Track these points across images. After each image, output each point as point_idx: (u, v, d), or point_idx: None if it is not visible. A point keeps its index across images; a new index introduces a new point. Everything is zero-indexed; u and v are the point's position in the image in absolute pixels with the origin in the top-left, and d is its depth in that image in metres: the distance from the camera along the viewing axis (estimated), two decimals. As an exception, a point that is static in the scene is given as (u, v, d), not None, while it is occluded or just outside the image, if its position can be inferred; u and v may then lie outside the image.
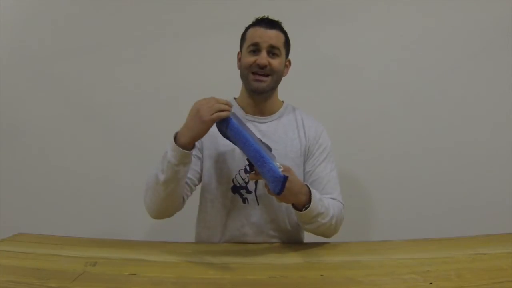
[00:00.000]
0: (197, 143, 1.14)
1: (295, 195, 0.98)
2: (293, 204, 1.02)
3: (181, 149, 0.97)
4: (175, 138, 1.00)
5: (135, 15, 1.75)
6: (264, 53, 1.10)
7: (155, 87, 1.75)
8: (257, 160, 0.92)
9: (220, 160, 1.14)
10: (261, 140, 0.98)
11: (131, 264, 0.92)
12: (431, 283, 0.77)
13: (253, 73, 1.11)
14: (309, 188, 1.01)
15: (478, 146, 1.66)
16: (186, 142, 0.98)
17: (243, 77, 1.16)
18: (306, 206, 0.99)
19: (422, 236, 1.12)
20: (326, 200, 1.06)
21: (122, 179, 1.75)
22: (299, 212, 1.00)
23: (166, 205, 1.07)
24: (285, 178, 0.88)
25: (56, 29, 1.77)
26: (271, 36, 1.10)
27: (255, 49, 1.11)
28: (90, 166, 1.76)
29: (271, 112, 1.20)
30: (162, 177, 1.00)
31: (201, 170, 1.15)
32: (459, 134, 1.67)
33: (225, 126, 0.98)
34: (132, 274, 0.85)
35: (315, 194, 1.01)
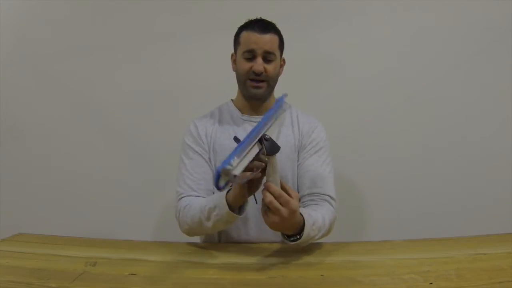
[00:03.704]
0: (209, 156, 1.15)
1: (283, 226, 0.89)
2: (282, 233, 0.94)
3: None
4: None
5: (135, 15, 1.75)
6: (259, 60, 1.10)
7: (155, 87, 1.75)
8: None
9: None
10: (266, 138, 0.85)
11: (131, 264, 0.92)
12: (431, 283, 0.77)
13: (250, 79, 1.12)
14: (302, 217, 0.92)
15: (478, 145, 1.66)
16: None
17: (240, 82, 1.16)
18: (297, 236, 0.92)
19: (422, 236, 1.11)
20: (320, 217, 0.98)
21: (122, 179, 1.75)
22: (288, 241, 0.93)
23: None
24: (221, 169, 0.74)
25: (56, 29, 1.77)
26: (266, 41, 1.09)
27: (251, 55, 1.11)
28: (90, 166, 1.76)
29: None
30: (209, 224, 1.00)
31: None
32: (459, 133, 1.66)
33: None
34: (132, 274, 0.85)
35: (308, 220, 0.91)
